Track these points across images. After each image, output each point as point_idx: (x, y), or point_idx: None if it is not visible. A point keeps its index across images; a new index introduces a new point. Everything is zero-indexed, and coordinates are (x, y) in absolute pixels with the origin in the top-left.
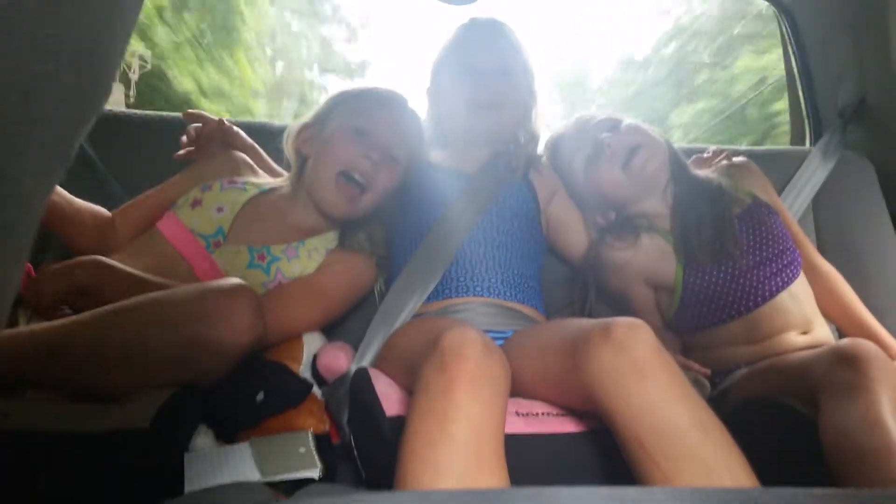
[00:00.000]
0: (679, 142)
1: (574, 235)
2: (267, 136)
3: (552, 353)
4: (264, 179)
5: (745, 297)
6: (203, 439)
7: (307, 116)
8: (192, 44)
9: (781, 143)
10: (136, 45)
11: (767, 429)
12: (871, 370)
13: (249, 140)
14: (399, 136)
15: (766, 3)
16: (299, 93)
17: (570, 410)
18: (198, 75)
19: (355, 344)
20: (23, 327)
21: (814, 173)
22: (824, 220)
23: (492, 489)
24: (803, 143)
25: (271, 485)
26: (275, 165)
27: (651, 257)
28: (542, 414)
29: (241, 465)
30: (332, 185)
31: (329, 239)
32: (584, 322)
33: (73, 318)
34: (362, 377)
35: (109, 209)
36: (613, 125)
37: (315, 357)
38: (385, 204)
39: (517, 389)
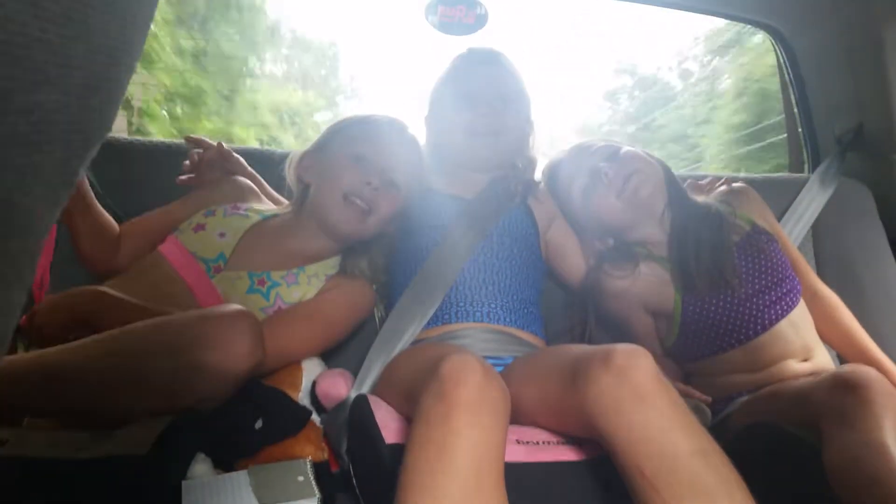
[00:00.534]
0: None
1: (573, 262)
2: (268, 163)
3: (552, 381)
4: (267, 206)
5: (745, 325)
6: (201, 467)
7: (309, 144)
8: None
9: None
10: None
11: (768, 456)
12: (872, 396)
13: (249, 168)
14: (399, 162)
15: (763, 31)
16: None
17: (570, 438)
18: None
19: (354, 370)
20: (21, 354)
21: (813, 200)
22: (824, 247)
23: None
24: (802, 170)
25: None
26: (275, 193)
27: (649, 285)
28: (543, 442)
29: (238, 493)
30: (339, 206)
31: (329, 265)
32: (585, 349)
33: (72, 344)
34: (362, 404)
35: None
36: (612, 153)
37: (314, 384)
38: (386, 229)
39: (517, 417)
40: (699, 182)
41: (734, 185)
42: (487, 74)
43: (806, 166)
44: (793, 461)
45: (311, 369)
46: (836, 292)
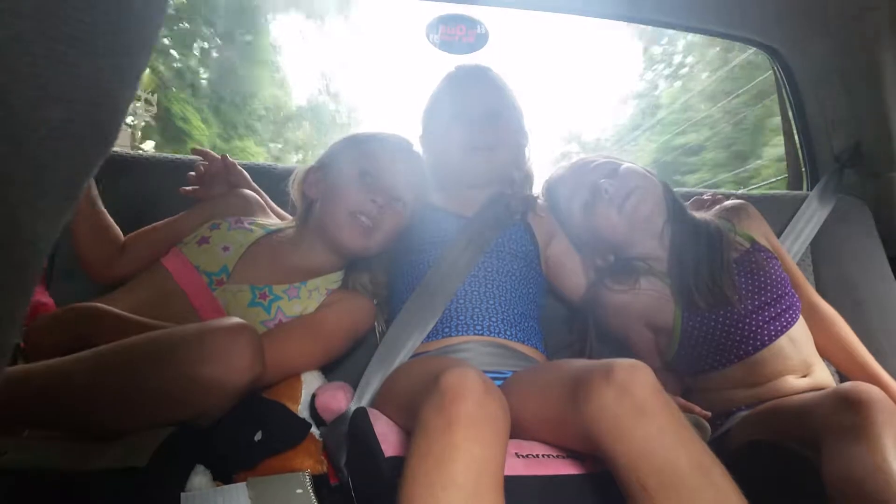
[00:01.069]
0: None
1: (573, 278)
2: (272, 178)
3: (552, 395)
4: (271, 220)
5: (745, 341)
6: (200, 479)
7: (314, 161)
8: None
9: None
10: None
11: (768, 471)
12: (874, 413)
13: (253, 183)
14: (403, 179)
15: (760, 50)
16: None
17: (570, 452)
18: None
19: (354, 383)
20: (22, 365)
21: (812, 217)
22: (823, 264)
23: None
24: (801, 188)
25: None
26: (277, 208)
27: (650, 300)
28: (543, 455)
29: None
30: (345, 223)
31: (331, 280)
32: (585, 363)
33: (72, 356)
34: (361, 417)
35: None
36: (612, 169)
37: (313, 397)
38: (390, 246)
39: (516, 430)
40: (699, 198)
41: (734, 201)
42: (477, 90)
43: (804, 184)
44: (792, 477)
45: (311, 382)
46: (835, 308)
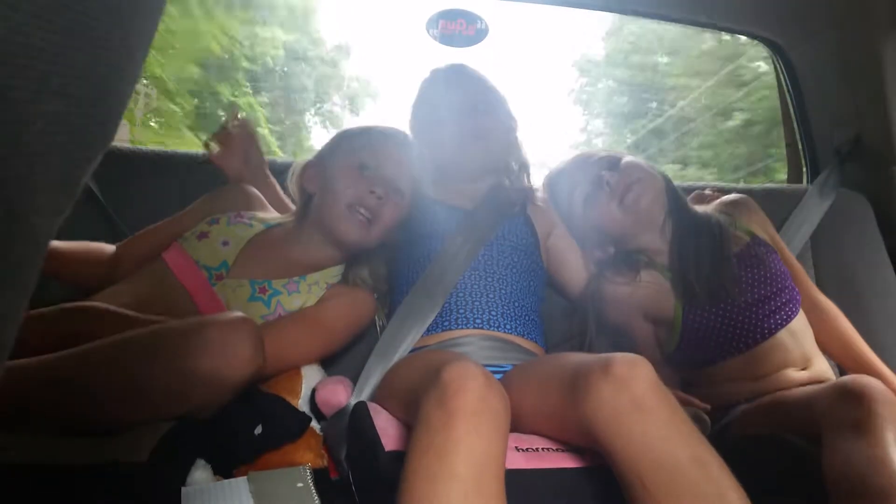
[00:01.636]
0: None
1: (573, 270)
2: (272, 172)
3: (551, 389)
4: (271, 215)
5: (744, 334)
6: (200, 473)
7: (312, 155)
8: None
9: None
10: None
11: (768, 465)
12: (875, 407)
13: (268, 171)
14: (402, 170)
15: (761, 44)
16: None
17: (569, 446)
18: None
19: (354, 377)
20: (21, 361)
21: (812, 211)
22: (823, 257)
23: None
24: (800, 181)
25: None
26: (287, 200)
27: (650, 293)
28: (542, 449)
29: (238, 499)
30: (343, 215)
31: (331, 274)
32: (584, 357)
33: (72, 351)
34: (361, 412)
35: (111, 244)
36: (613, 162)
37: (313, 391)
38: (389, 238)
39: (516, 424)
40: (699, 192)
41: (734, 195)
42: (457, 88)
43: (805, 177)
44: (792, 470)
45: (311, 376)
46: (835, 302)
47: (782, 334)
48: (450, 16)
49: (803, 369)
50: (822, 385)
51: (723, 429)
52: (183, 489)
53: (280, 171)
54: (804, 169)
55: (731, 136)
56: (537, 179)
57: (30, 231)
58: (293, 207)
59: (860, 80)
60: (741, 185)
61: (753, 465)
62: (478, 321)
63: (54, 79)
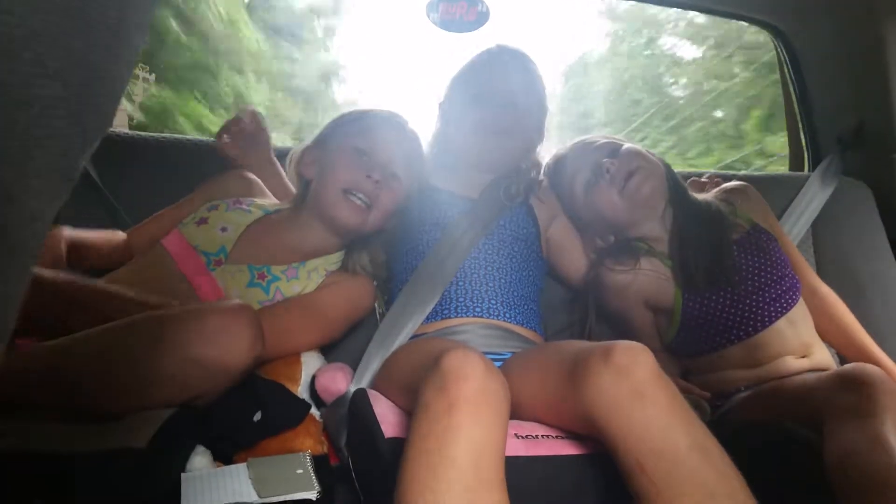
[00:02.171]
0: None
1: (573, 259)
2: None
3: (551, 376)
4: (270, 201)
5: (744, 322)
6: (200, 459)
7: (309, 140)
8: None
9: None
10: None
11: (768, 452)
12: (876, 394)
13: (274, 158)
14: (399, 155)
15: (763, 29)
16: None
17: (569, 433)
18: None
19: (354, 364)
20: (21, 347)
21: (813, 198)
22: (824, 245)
23: None
24: (802, 169)
25: None
26: (290, 186)
27: (650, 281)
28: (542, 436)
29: (238, 485)
30: (340, 201)
31: (330, 261)
32: (584, 345)
33: (71, 337)
34: (361, 398)
35: (111, 229)
36: (614, 149)
37: (313, 378)
38: (388, 224)
39: (516, 411)
40: (700, 180)
41: (734, 183)
42: (509, 74)
43: (806, 165)
44: (793, 458)
45: (311, 363)
46: (835, 290)
47: (782, 322)
48: None
49: (803, 357)
50: (822, 373)
51: (722, 416)
52: (183, 475)
53: (279, 156)
54: (806, 156)
55: None
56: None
57: (28, 215)
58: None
59: (863, 68)
60: (742, 172)
61: (753, 452)
62: (477, 310)
63: (51, 62)
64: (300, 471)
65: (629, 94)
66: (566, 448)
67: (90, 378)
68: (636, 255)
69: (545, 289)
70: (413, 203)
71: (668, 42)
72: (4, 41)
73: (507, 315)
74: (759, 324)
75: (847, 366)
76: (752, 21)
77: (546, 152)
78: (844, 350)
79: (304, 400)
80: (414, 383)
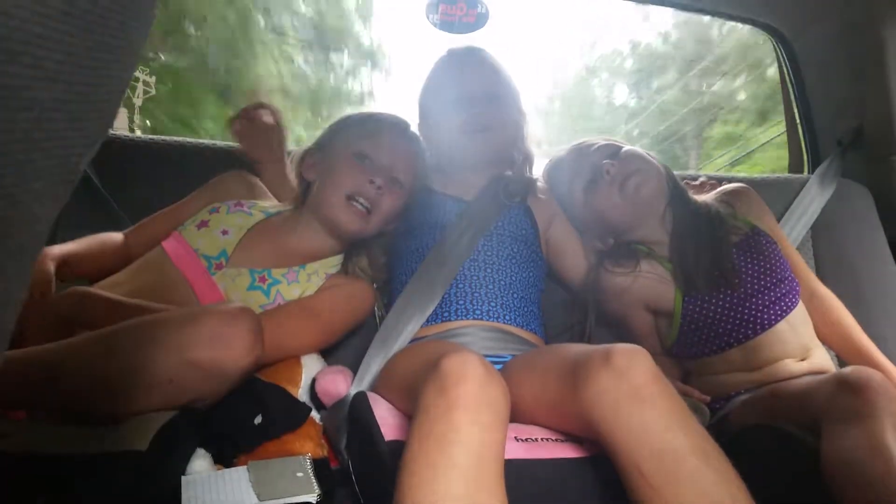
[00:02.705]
0: None
1: (573, 260)
2: None
3: (551, 379)
4: (271, 203)
5: (744, 325)
6: (200, 462)
7: (311, 142)
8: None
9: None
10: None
11: (767, 455)
12: (875, 398)
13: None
14: (402, 161)
15: (763, 31)
16: None
17: (569, 436)
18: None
19: (354, 367)
20: (20, 349)
21: (812, 200)
22: (823, 247)
23: None
24: (801, 171)
25: None
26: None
27: (650, 284)
28: (542, 439)
29: (238, 488)
30: (342, 205)
31: (330, 263)
32: (584, 348)
33: (72, 340)
34: (361, 401)
35: (111, 232)
36: (613, 151)
37: (313, 381)
38: (388, 228)
39: (515, 414)
40: (699, 182)
41: (734, 185)
42: (472, 73)
43: (805, 167)
44: (792, 461)
45: (311, 366)
46: (834, 293)
47: (782, 325)
48: (450, 0)
49: (803, 360)
50: (821, 376)
51: (722, 419)
52: (183, 478)
53: None
54: (805, 158)
55: None
56: (537, 169)
57: (29, 218)
58: None
59: (862, 70)
60: (741, 175)
61: (752, 455)
62: (477, 312)
63: (51, 65)
64: (300, 474)
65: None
66: (566, 451)
67: (89, 381)
68: (636, 258)
69: (545, 290)
70: (413, 206)
71: None
72: (4, 44)
73: (507, 317)
74: (758, 327)
75: (846, 369)
76: (751, 23)
77: (545, 156)
78: (843, 352)
79: (304, 403)
80: (414, 386)
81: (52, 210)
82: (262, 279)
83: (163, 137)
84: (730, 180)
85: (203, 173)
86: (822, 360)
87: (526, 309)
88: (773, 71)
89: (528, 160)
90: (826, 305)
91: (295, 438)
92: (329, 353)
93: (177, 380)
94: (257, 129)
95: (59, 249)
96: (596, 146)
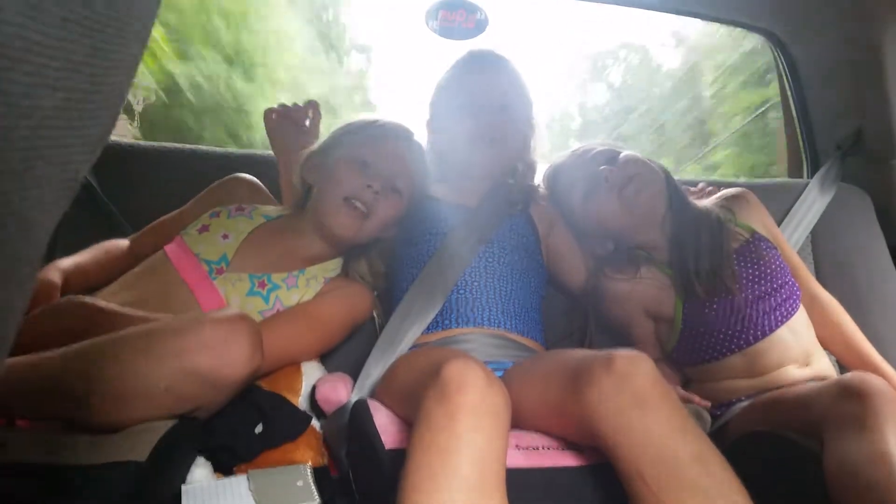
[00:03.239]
0: None
1: (573, 267)
2: (270, 165)
3: (552, 385)
4: (272, 206)
5: (745, 331)
6: (201, 471)
7: (314, 145)
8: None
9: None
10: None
11: (769, 462)
12: (877, 404)
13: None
14: (402, 168)
15: (762, 36)
16: None
17: (569, 443)
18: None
19: (354, 375)
20: (20, 358)
21: (812, 205)
22: (823, 252)
23: None
24: (801, 176)
25: None
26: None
27: (650, 289)
28: (543, 447)
29: (238, 497)
30: (338, 208)
31: (328, 268)
32: (585, 353)
33: (70, 348)
34: (361, 409)
35: (111, 239)
36: (611, 157)
37: (314, 388)
38: (387, 235)
39: (516, 420)
40: (699, 187)
41: (734, 189)
42: (489, 82)
43: (805, 171)
44: (793, 467)
45: (311, 374)
46: (835, 297)
47: (783, 331)
48: (450, 6)
49: (805, 366)
50: (822, 382)
51: (723, 426)
52: (183, 487)
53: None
54: (804, 163)
55: None
56: (537, 175)
57: (28, 226)
58: None
59: (861, 74)
60: (741, 180)
61: (754, 461)
62: (478, 319)
63: (51, 72)
64: (300, 482)
65: None
66: (567, 459)
67: (88, 389)
68: (636, 264)
69: (546, 296)
70: (414, 214)
71: None
72: (4, 51)
73: (508, 324)
74: (759, 332)
75: (847, 374)
76: (750, 28)
77: (542, 158)
78: (845, 357)
79: (305, 412)
80: (414, 393)
81: (53, 217)
82: (262, 284)
83: (163, 144)
84: (729, 185)
85: (204, 179)
86: (824, 366)
87: (527, 316)
88: None
89: (530, 170)
90: (827, 310)
91: (295, 447)
92: (329, 361)
93: (176, 388)
94: (290, 127)
95: (65, 262)
96: (595, 152)
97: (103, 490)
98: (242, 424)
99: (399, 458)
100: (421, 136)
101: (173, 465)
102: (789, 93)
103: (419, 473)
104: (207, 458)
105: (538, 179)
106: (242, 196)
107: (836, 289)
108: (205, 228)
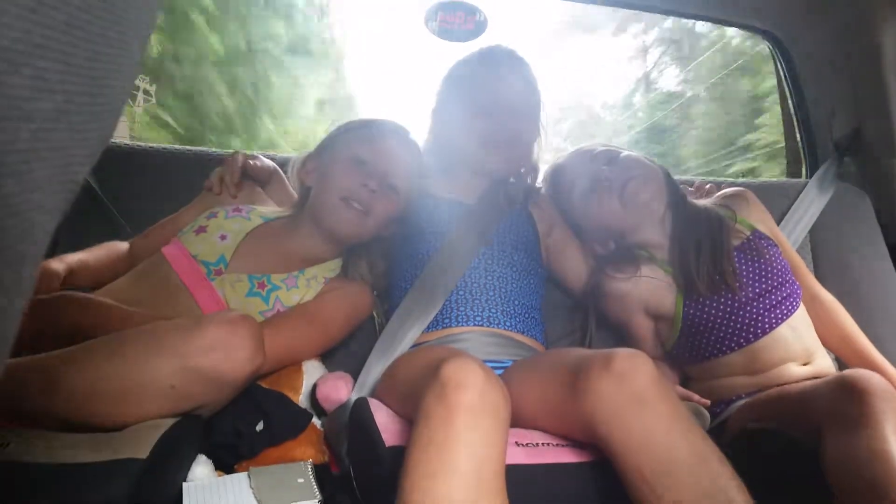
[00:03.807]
0: None
1: (574, 266)
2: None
3: (552, 383)
4: (270, 208)
5: (745, 329)
6: (202, 469)
7: (312, 148)
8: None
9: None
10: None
11: (768, 459)
12: (876, 402)
13: (272, 165)
14: (398, 167)
15: (760, 36)
16: None
17: (570, 440)
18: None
19: (355, 373)
20: (21, 358)
21: (811, 204)
22: (822, 251)
23: None
24: (800, 175)
25: None
26: (294, 193)
27: (651, 288)
28: (542, 444)
29: (239, 494)
30: (336, 207)
31: (328, 268)
32: (585, 352)
33: (72, 348)
34: (362, 407)
35: (111, 240)
36: (612, 157)
37: (314, 387)
38: (385, 233)
39: (516, 419)
40: (698, 186)
41: (734, 189)
42: (507, 82)
43: (804, 171)
44: (792, 465)
45: (312, 372)
46: (834, 296)
47: (783, 329)
48: (449, 8)
49: (805, 364)
50: (821, 380)
51: (722, 423)
52: (184, 484)
53: (281, 164)
54: (803, 162)
55: None
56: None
57: (29, 227)
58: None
59: (860, 74)
60: (740, 179)
61: (753, 459)
62: (478, 318)
63: (52, 75)
64: (301, 480)
65: None
66: (567, 456)
67: (89, 389)
68: (636, 263)
69: (546, 295)
70: (413, 212)
71: None
72: (5, 55)
73: (508, 324)
74: (759, 330)
75: (846, 371)
76: (748, 28)
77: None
78: (844, 354)
79: (305, 410)
80: (414, 392)
81: (53, 219)
82: (262, 285)
83: (163, 146)
84: (729, 184)
85: (203, 181)
86: (824, 364)
87: (527, 315)
88: None
89: (533, 171)
90: (826, 308)
91: (296, 444)
92: (330, 360)
93: (178, 387)
94: (234, 184)
95: (67, 259)
96: (595, 152)
97: (104, 488)
98: (244, 422)
99: (399, 455)
100: (417, 133)
101: (174, 463)
102: (788, 92)
103: (418, 471)
104: (209, 456)
105: (539, 180)
106: (241, 198)
107: (834, 288)
108: (202, 229)
